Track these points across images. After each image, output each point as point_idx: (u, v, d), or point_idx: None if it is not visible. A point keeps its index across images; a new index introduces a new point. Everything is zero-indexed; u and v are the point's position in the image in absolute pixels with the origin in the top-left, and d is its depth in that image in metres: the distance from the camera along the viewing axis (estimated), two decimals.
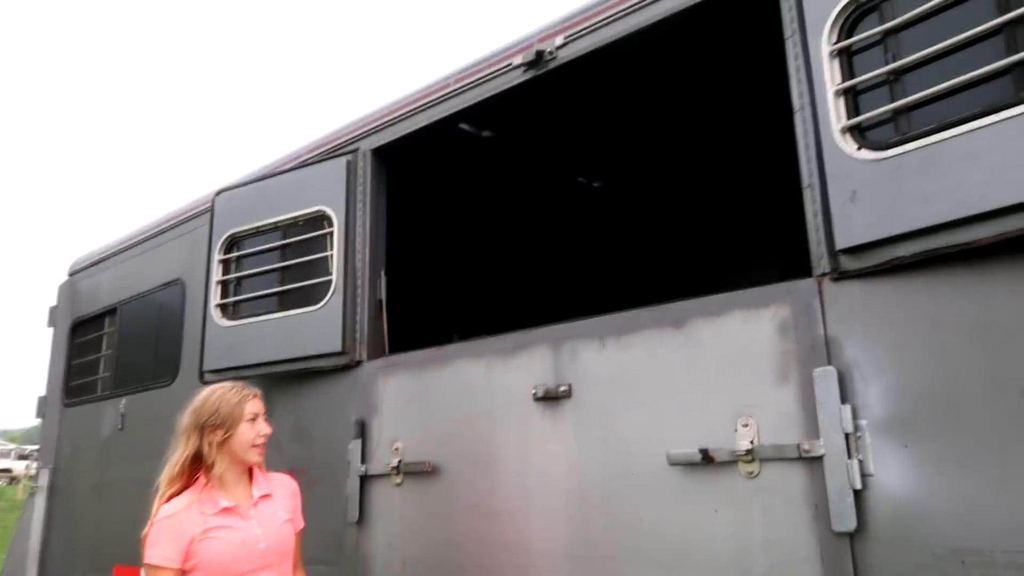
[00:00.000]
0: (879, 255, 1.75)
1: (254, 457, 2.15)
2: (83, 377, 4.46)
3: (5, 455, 39.09)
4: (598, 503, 2.14)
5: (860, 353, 1.78)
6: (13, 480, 31.75)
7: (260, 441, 2.16)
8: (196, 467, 2.12)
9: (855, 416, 1.75)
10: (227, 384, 2.23)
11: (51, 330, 4.82)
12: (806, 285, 1.89)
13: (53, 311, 4.84)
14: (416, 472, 2.58)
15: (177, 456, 2.13)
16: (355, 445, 2.78)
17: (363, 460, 2.75)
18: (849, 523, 1.70)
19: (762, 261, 2.88)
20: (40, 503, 4.40)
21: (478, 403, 2.50)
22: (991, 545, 1.54)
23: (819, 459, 1.77)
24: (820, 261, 1.87)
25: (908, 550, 1.64)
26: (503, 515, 2.34)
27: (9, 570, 4.48)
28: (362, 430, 2.79)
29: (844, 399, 1.76)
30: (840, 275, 1.83)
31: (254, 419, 2.15)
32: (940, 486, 1.62)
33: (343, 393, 2.90)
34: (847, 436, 1.74)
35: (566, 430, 2.26)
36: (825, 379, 1.78)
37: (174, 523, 2.02)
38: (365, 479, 2.72)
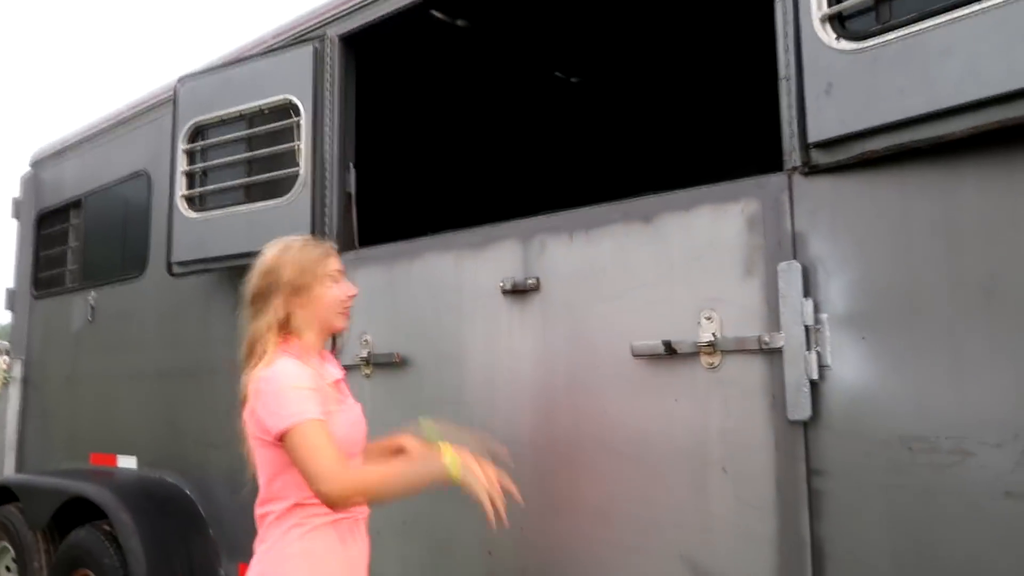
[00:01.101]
0: (851, 149, 1.72)
1: (340, 322, 1.91)
2: (51, 269, 4.40)
3: None
4: (563, 394, 2.18)
5: (825, 248, 1.78)
6: None
7: (348, 303, 1.91)
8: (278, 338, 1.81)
9: (816, 310, 1.76)
10: (300, 237, 1.94)
11: (15, 222, 4.72)
12: (776, 180, 1.87)
13: (17, 203, 4.73)
14: (385, 364, 2.60)
15: (260, 326, 1.80)
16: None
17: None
18: (804, 412, 1.74)
19: (738, 160, 2.84)
20: (14, 393, 4.42)
21: (447, 296, 2.50)
22: (937, 432, 1.59)
23: (779, 351, 1.79)
24: (791, 155, 1.84)
25: (858, 438, 1.69)
26: (470, 406, 2.38)
27: None
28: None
29: (807, 293, 1.77)
30: (811, 170, 1.81)
31: (338, 277, 1.90)
32: (893, 378, 1.66)
33: None
34: (807, 329, 1.76)
35: (533, 323, 2.27)
36: (789, 273, 1.79)
37: (312, 382, 1.74)
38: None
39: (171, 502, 3.16)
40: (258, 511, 1.82)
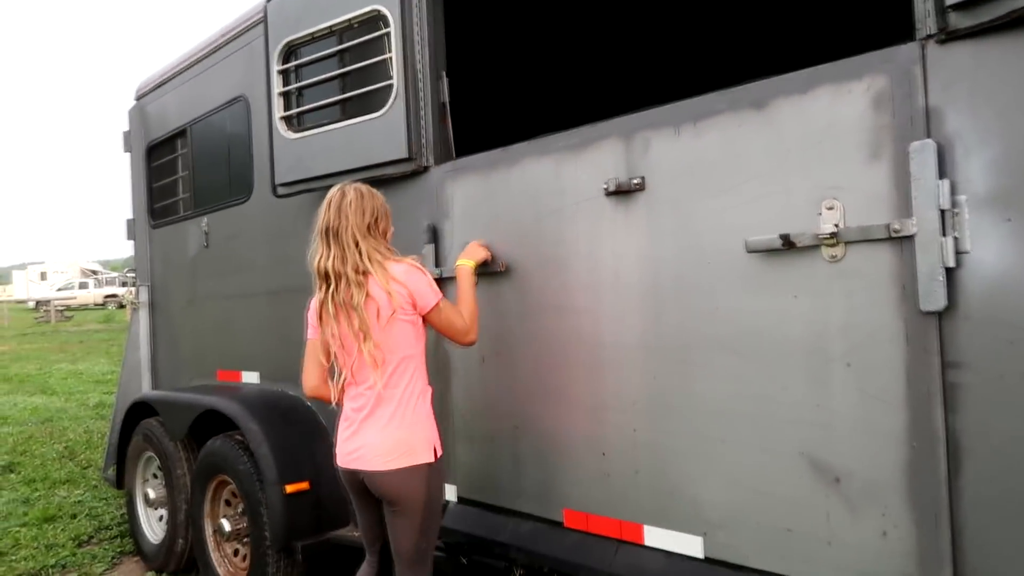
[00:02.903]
0: (995, 8, 1.54)
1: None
2: (165, 199, 4.60)
3: (111, 283, 42.08)
4: (672, 295, 2.13)
5: (964, 123, 1.63)
6: (120, 305, 34.39)
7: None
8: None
9: (953, 191, 1.63)
10: (357, 184, 2.38)
11: (128, 155, 4.93)
12: (907, 51, 1.70)
13: (127, 136, 4.92)
14: (489, 272, 2.60)
15: (362, 248, 2.26)
16: (428, 250, 2.81)
17: (436, 264, 2.79)
18: (938, 302, 1.63)
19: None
20: (144, 317, 4.72)
21: (548, 201, 2.45)
22: None
23: (910, 238, 1.67)
24: (925, 21, 1.67)
25: (1000, 325, 1.57)
26: (575, 311, 2.37)
27: (125, 378, 4.92)
28: (434, 235, 2.81)
29: (942, 174, 1.63)
30: (948, 36, 1.63)
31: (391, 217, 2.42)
32: None
33: (413, 200, 2.90)
34: (943, 213, 1.63)
35: (639, 224, 2.21)
36: (922, 153, 1.65)
37: None
38: (440, 281, 2.78)
39: (293, 412, 3.34)
40: (379, 383, 2.24)
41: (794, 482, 1.88)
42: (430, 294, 2.29)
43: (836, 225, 1.79)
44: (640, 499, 2.20)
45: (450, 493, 2.77)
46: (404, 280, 2.25)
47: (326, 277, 2.27)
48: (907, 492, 1.70)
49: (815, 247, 1.83)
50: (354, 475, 2.30)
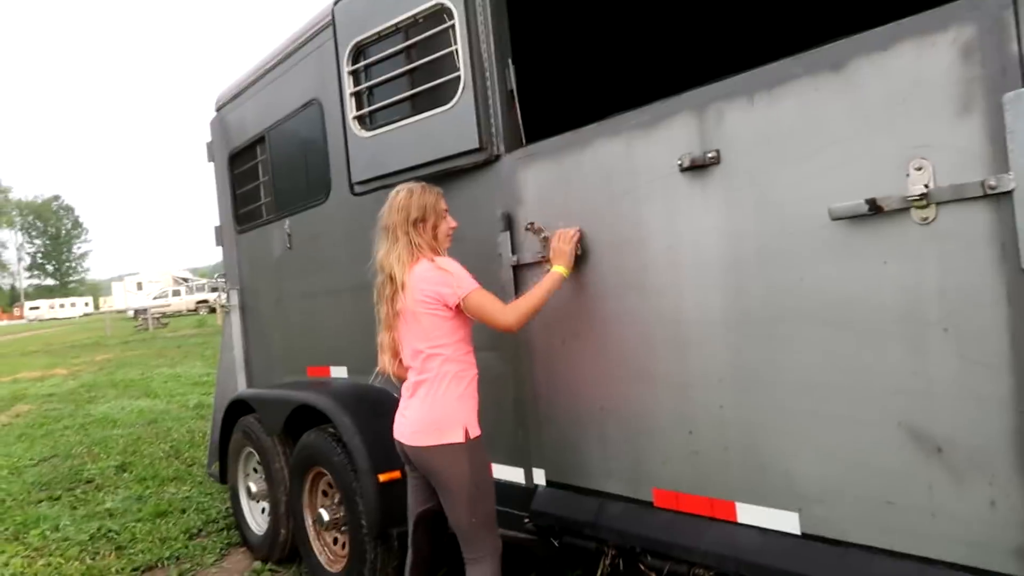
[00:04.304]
0: None
1: (447, 245, 2.62)
2: (248, 204, 4.77)
3: (201, 289, 44.00)
4: (754, 268, 2.09)
5: None
6: (211, 310, 35.92)
7: (451, 233, 2.63)
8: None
9: None
10: (414, 183, 2.61)
11: (211, 165, 5.14)
12: None
13: (210, 146, 5.13)
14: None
15: (402, 245, 2.51)
16: (504, 237, 2.84)
17: (513, 251, 2.82)
18: None
19: None
20: (235, 319, 4.93)
21: (621, 182, 2.43)
22: None
23: (1008, 194, 1.59)
24: None
25: None
26: (656, 290, 2.35)
27: (222, 378, 5.14)
28: (509, 222, 2.84)
29: None
30: None
31: (446, 214, 2.61)
32: None
33: (486, 189, 2.93)
34: None
35: (716, 198, 2.17)
36: (1018, 103, 1.56)
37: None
38: (517, 268, 2.80)
39: (381, 404, 3.42)
40: (415, 368, 2.51)
41: (893, 453, 1.82)
42: (450, 294, 2.44)
43: (926, 186, 1.72)
44: (731, 476, 2.17)
45: (538, 477, 2.79)
46: (425, 279, 2.46)
47: (379, 269, 2.57)
48: (1016, 459, 1.62)
49: (904, 210, 1.76)
50: (401, 447, 2.57)
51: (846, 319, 1.89)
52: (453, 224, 2.63)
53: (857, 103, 1.85)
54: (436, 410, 2.46)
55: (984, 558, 1.69)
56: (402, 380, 2.63)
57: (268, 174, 4.52)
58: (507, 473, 2.91)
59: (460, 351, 2.52)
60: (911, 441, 1.79)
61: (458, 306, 2.45)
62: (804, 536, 2.01)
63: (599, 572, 2.55)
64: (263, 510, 4.36)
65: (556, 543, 2.71)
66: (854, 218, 1.85)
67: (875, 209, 1.79)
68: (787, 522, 2.04)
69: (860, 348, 1.87)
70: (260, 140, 4.53)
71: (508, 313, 2.44)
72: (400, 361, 2.61)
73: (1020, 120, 1.57)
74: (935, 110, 1.72)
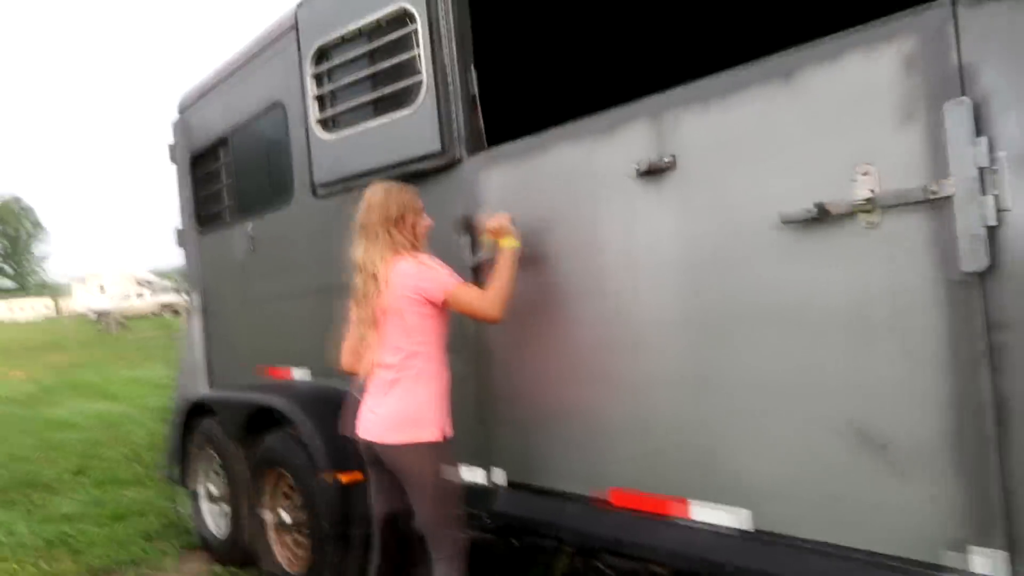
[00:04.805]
0: None
1: (425, 244, 2.60)
2: (210, 207, 4.73)
3: (165, 291, 43.33)
4: (709, 271, 2.13)
5: (1000, 79, 1.60)
6: (176, 313, 35.40)
7: (428, 231, 2.63)
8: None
9: (991, 149, 1.60)
10: (389, 182, 2.62)
11: (173, 167, 5.08)
12: (937, 10, 1.68)
13: (172, 148, 5.07)
14: (525, 259, 2.63)
15: (383, 242, 2.49)
16: (464, 240, 2.85)
17: (473, 253, 2.84)
18: (980, 262, 1.61)
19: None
20: (197, 322, 4.87)
21: (581, 185, 2.47)
22: None
23: (948, 199, 1.65)
24: None
25: None
26: (613, 292, 2.38)
27: (182, 381, 5.08)
28: (468, 227, 2.85)
29: (979, 131, 1.61)
30: None
31: (422, 212, 2.60)
32: None
33: (448, 192, 2.94)
34: (981, 171, 1.60)
35: (673, 202, 2.21)
36: (958, 111, 1.62)
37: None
38: (477, 270, 2.82)
39: (343, 406, 3.41)
40: (388, 364, 2.48)
41: (840, 450, 1.87)
42: (436, 289, 2.45)
43: (871, 191, 1.78)
44: (685, 475, 2.21)
45: (499, 477, 2.81)
46: (409, 275, 2.45)
47: (357, 268, 2.53)
48: (955, 456, 1.68)
49: (851, 214, 1.82)
50: (368, 445, 2.54)
51: (796, 320, 1.94)
52: (429, 222, 2.63)
53: (808, 110, 1.91)
54: (414, 407, 2.46)
55: (926, 551, 1.75)
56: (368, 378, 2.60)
57: (231, 177, 4.48)
58: (468, 473, 2.92)
59: (439, 351, 2.53)
60: (857, 439, 1.84)
61: (444, 302, 2.47)
62: (756, 532, 2.05)
63: (557, 571, 2.57)
64: (223, 513, 4.31)
65: (516, 543, 2.73)
66: (804, 222, 1.90)
67: (824, 213, 1.85)
68: (739, 519, 2.08)
69: (809, 348, 1.92)
70: (223, 142, 4.49)
71: (489, 303, 2.46)
72: (366, 360, 2.57)
73: (960, 127, 1.63)
74: (881, 118, 1.77)
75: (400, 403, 2.47)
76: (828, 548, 1.90)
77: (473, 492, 2.87)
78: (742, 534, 2.08)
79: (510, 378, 2.76)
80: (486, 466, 2.87)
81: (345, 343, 2.66)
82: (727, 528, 2.11)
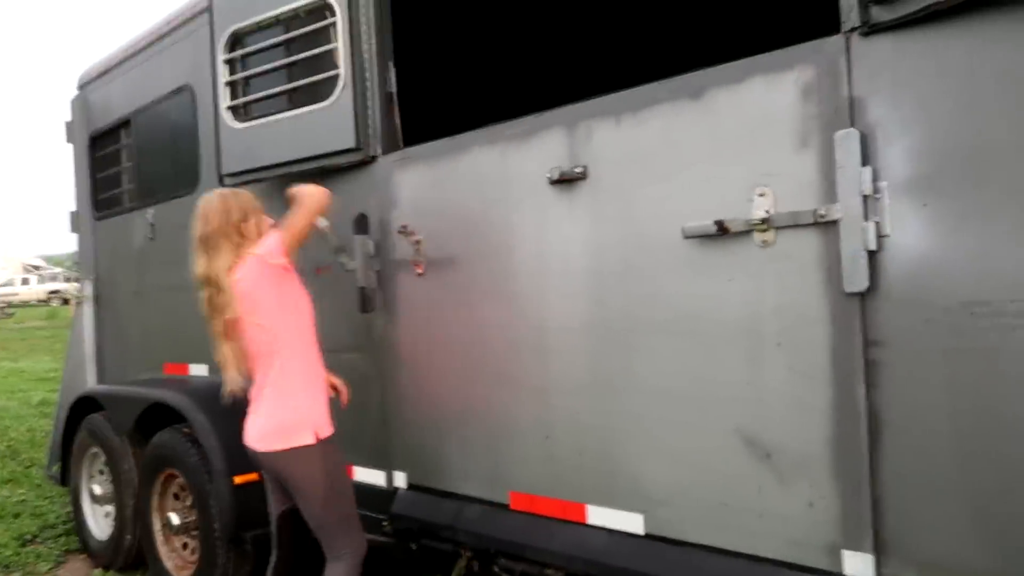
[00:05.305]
0: (914, 2, 1.62)
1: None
2: (109, 190, 4.50)
3: (54, 278, 40.92)
4: (614, 280, 2.18)
5: (885, 112, 1.71)
6: (66, 301, 33.48)
7: (268, 229, 2.51)
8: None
9: (875, 178, 1.71)
10: (220, 190, 2.60)
11: (70, 146, 4.81)
12: (833, 43, 1.78)
13: (69, 126, 4.81)
14: (436, 261, 2.63)
15: (225, 251, 2.41)
16: (360, 240, 2.81)
17: (375, 252, 2.81)
18: (861, 283, 1.71)
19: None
20: (88, 311, 4.63)
21: (495, 190, 2.49)
22: (1001, 296, 1.55)
23: (835, 223, 1.75)
24: (850, 14, 1.75)
25: (918, 306, 1.66)
26: (523, 297, 2.41)
27: (69, 374, 4.81)
28: (382, 224, 2.83)
29: (865, 161, 1.71)
30: (870, 29, 1.71)
31: (262, 212, 2.54)
32: (956, 242, 1.62)
33: (361, 190, 2.91)
34: (865, 198, 1.71)
35: (582, 211, 2.26)
36: (847, 141, 1.73)
37: None
38: (385, 270, 2.80)
39: (241, 404, 3.31)
40: (260, 372, 2.42)
41: (729, 458, 1.95)
42: (274, 247, 2.36)
43: (767, 211, 1.86)
44: (583, 480, 2.26)
45: (399, 480, 2.79)
46: (252, 269, 2.37)
47: (201, 283, 2.43)
48: (832, 464, 1.78)
49: (748, 232, 1.90)
50: (253, 452, 2.47)
51: (694, 331, 2.01)
52: (272, 221, 2.53)
53: (713, 130, 1.99)
54: (282, 413, 2.40)
55: (803, 555, 1.84)
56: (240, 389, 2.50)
57: (132, 160, 4.29)
58: (368, 476, 2.89)
59: (304, 350, 2.45)
60: (745, 447, 1.93)
61: (287, 247, 2.36)
62: (648, 536, 2.11)
63: (455, 574, 2.57)
64: (107, 514, 4.10)
65: (414, 547, 2.71)
66: (704, 237, 1.97)
67: (723, 230, 1.92)
68: (633, 523, 2.14)
69: (705, 359, 1.99)
70: (125, 123, 4.29)
71: (305, 207, 2.41)
72: (247, 369, 2.48)
73: (848, 157, 1.73)
74: (779, 142, 1.87)
75: (269, 409, 2.41)
76: (715, 552, 1.98)
77: (373, 494, 2.84)
78: (635, 538, 2.13)
79: (416, 379, 2.74)
80: (387, 468, 2.84)
81: (223, 364, 2.49)
82: (621, 532, 2.16)
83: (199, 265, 2.43)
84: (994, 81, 1.56)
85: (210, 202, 2.47)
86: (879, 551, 1.73)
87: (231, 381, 2.46)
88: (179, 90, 3.80)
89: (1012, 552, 1.57)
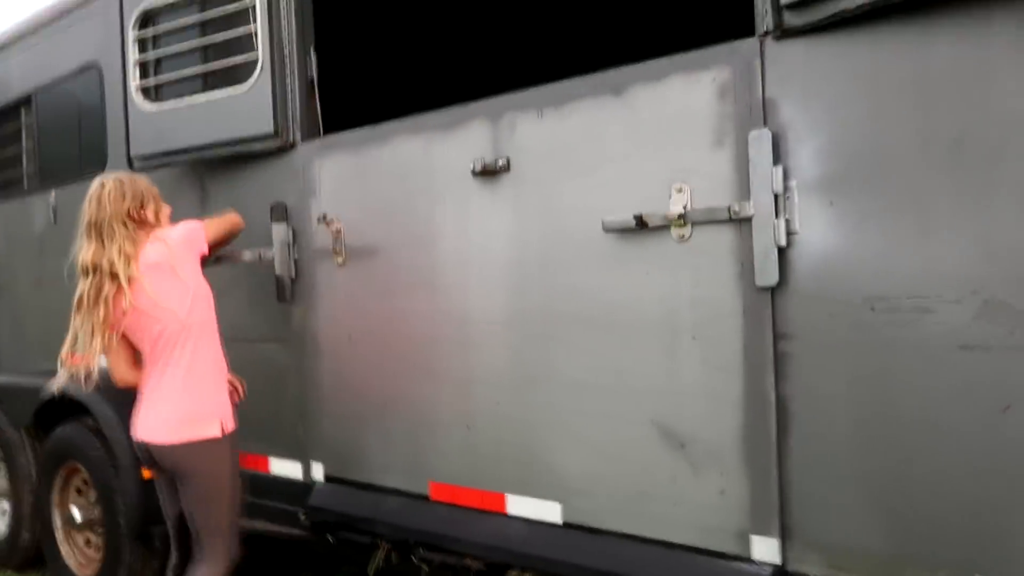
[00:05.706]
0: (824, 9, 1.68)
1: (166, 224, 2.47)
2: (6, 171, 4.26)
3: None
4: (535, 272, 2.20)
5: (796, 114, 1.77)
6: None
7: (169, 219, 2.51)
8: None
9: (786, 177, 1.77)
10: (115, 173, 2.46)
11: None
12: (748, 45, 1.83)
13: None
14: (357, 251, 2.59)
15: (121, 236, 2.29)
16: (278, 229, 2.75)
17: (294, 241, 2.75)
18: (771, 278, 1.77)
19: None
20: None
21: (417, 180, 2.46)
22: (899, 292, 1.64)
23: (748, 220, 1.81)
24: (764, 19, 1.80)
25: (823, 301, 1.73)
26: (443, 288, 2.40)
27: None
28: (301, 212, 2.76)
29: (776, 160, 1.77)
30: (783, 33, 1.77)
31: (160, 197, 2.48)
32: (859, 240, 1.69)
33: (279, 177, 2.84)
34: (776, 196, 1.77)
35: (504, 204, 2.26)
36: (759, 141, 1.78)
37: None
38: (303, 259, 2.74)
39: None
40: (160, 361, 2.31)
41: (645, 448, 2.00)
42: (195, 236, 2.39)
43: (684, 207, 1.91)
44: (503, 470, 2.27)
45: (317, 472, 2.74)
46: (164, 256, 2.30)
47: (87, 271, 2.30)
48: (742, 453, 1.85)
49: (665, 227, 1.95)
50: (144, 446, 2.34)
51: (612, 323, 2.05)
52: (170, 209, 2.49)
53: (633, 126, 2.02)
54: (188, 403, 2.30)
55: (715, 541, 1.90)
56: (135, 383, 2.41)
57: (32, 140, 4.06)
58: (285, 468, 2.83)
59: (213, 340, 2.39)
60: (660, 437, 1.97)
61: (210, 241, 2.42)
62: (565, 525, 2.15)
63: (373, 566, 2.55)
64: (2, 511, 3.89)
65: (331, 539, 2.68)
66: (623, 231, 2.01)
67: (641, 225, 1.96)
68: (551, 512, 2.17)
69: (622, 351, 2.03)
70: (26, 101, 4.05)
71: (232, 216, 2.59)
72: (135, 364, 2.40)
73: (760, 156, 1.79)
74: (696, 139, 1.91)
75: (178, 399, 2.30)
76: (631, 540, 2.02)
77: (289, 487, 2.79)
78: (553, 527, 2.16)
79: (334, 371, 2.70)
80: (304, 460, 2.79)
81: (112, 358, 2.40)
82: (539, 521, 2.19)
83: (88, 252, 2.30)
84: (897, 86, 1.64)
85: (103, 186, 2.34)
86: (784, 536, 1.80)
87: (122, 373, 2.40)
88: (85, 68, 3.61)
89: (906, 534, 1.66)
